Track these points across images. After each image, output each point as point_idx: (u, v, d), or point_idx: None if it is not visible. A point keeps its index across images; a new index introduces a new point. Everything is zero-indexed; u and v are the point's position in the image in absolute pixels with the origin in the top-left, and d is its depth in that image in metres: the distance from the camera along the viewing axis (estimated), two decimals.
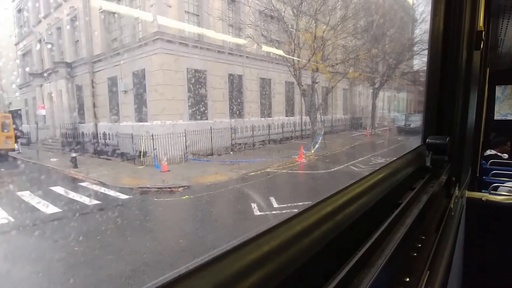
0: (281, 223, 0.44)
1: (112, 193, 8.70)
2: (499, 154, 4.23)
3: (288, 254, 0.42)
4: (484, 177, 3.56)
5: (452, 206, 1.26)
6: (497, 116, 4.99)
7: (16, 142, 16.11)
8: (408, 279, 0.68)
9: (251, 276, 0.35)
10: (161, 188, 9.01)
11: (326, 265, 0.52)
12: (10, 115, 17.13)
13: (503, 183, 3.13)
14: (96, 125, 16.95)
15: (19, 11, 22.97)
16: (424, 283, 0.70)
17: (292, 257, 0.43)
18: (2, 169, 12.88)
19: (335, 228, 0.54)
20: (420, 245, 0.85)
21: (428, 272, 0.75)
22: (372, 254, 0.60)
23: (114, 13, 15.79)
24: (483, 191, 2.59)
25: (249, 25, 15.74)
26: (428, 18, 1.58)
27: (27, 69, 22.66)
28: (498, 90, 4.95)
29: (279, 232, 0.43)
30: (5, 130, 15.10)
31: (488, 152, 4.28)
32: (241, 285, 0.34)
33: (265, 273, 0.37)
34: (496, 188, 2.68)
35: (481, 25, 1.64)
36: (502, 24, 2.82)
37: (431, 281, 0.74)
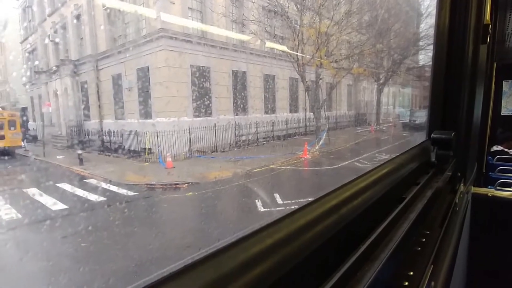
0: (284, 216, 0.45)
1: (117, 189, 8.78)
2: (505, 149, 4.18)
3: (291, 247, 0.42)
4: (490, 173, 3.52)
5: (457, 201, 1.26)
6: (504, 111, 4.91)
7: (22, 139, 16.26)
8: (412, 273, 0.68)
9: (255, 268, 0.36)
10: (166, 184, 9.06)
11: (330, 258, 0.52)
12: (17, 112, 17.29)
13: (510, 179, 3.09)
14: (101, 122, 17.05)
15: (25, 9, 23.08)
16: (428, 277, 0.70)
17: (295, 250, 0.43)
18: (9, 166, 13.04)
19: (339, 222, 0.54)
20: (424, 240, 0.85)
21: (432, 266, 0.75)
22: (375, 247, 0.60)
23: (117, 10, 15.81)
24: (489, 187, 2.56)
25: (252, 21, 15.66)
26: (434, 12, 1.56)
27: (33, 66, 22.82)
28: (506, 85, 4.87)
29: (283, 226, 0.43)
30: (12, 128, 15.24)
31: (495, 147, 4.22)
32: (246, 276, 0.34)
33: (269, 265, 0.37)
34: (511, 185, 2.64)
35: (487, 18, 1.61)
36: (509, 17, 2.77)
37: (435, 275, 0.74)
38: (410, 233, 0.72)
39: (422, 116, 21.88)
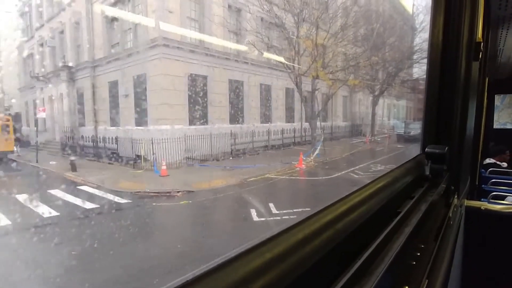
0: (283, 231, 0.45)
1: (110, 197, 8.68)
2: (498, 162, 4.24)
3: (290, 262, 0.43)
4: (483, 185, 3.56)
5: (451, 215, 1.27)
6: (496, 125, 5.00)
7: (15, 144, 16.10)
8: None
9: (254, 283, 0.36)
10: (160, 192, 8.99)
11: (327, 273, 0.53)
12: (10, 117, 17.15)
13: (502, 192, 3.12)
14: (96, 128, 16.96)
15: (22, 14, 23.12)
16: None
17: (294, 264, 0.43)
18: (1, 172, 12.85)
19: (336, 236, 0.55)
20: (419, 254, 0.86)
21: (427, 281, 0.75)
22: (371, 262, 0.61)
23: (116, 18, 15.92)
24: (482, 199, 2.59)
25: (250, 32, 15.86)
26: (428, 27, 1.61)
27: (29, 71, 22.75)
28: (497, 99, 4.97)
29: (282, 240, 0.44)
30: (4, 133, 15.10)
31: (487, 160, 4.28)
32: None
33: (268, 281, 0.38)
34: (503, 198, 2.67)
35: (480, 36, 1.66)
36: (501, 34, 2.85)
37: None
38: (405, 247, 0.73)
39: (416, 128, 22.12)
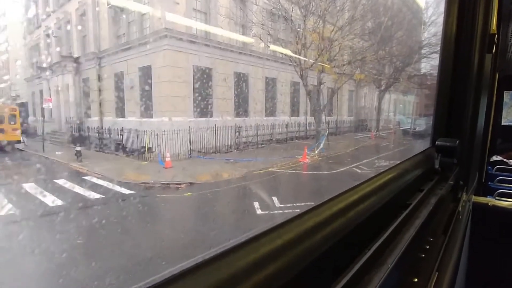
0: (294, 217, 0.44)
1: (115, 187, 8.74)
2: (505, 160, 4.18)
3: (300, 249, 0.42)
4: (489, 183, 3.52)
5: (460, 209, 1.25)
6: (504, 122, 4.92)
7: (22, 134, 16.25)
8: (416, 280, 0.68)
9: (265, 269, 0.35)
10: (164, 184, 9.04)
11: (338, 260, 0.51)
12: (17, 107, 17.26)
13: (509, 190, 3.09)
14: (101, 119, 17.04)
15: (28, 4, 23.14)
16: (432, 285, 0.69)
17: (304, 252, 0.42)
18: (8, 161, 13.01)
19: (346, 225, 0.54)
20: (428, 247, 0.85)
21: (437, 273, 0.74)
22: (382, 253, 0.60)
23: (122, 9, 15.86)
24: (488, 196, 2.56)
25: (256, 24, 15.71)
26: (438, 21, 1.57)
27: (35, 61, 22.86)
28: (506, 96, 4.88)
29: (293, 226, 0.43)
30: (11, 122, 15.23)
31: (494, 157, 4.22)
32: (255, 276, 0.34)
33: (279, 266, 0.37)
34: (510, 195, 2.63)
35: (494, 28, 1.62)
36: None
37: (439, 283, 0.74)
38: (415, 239, 0.72)
39: (421, 124, 21.94)
